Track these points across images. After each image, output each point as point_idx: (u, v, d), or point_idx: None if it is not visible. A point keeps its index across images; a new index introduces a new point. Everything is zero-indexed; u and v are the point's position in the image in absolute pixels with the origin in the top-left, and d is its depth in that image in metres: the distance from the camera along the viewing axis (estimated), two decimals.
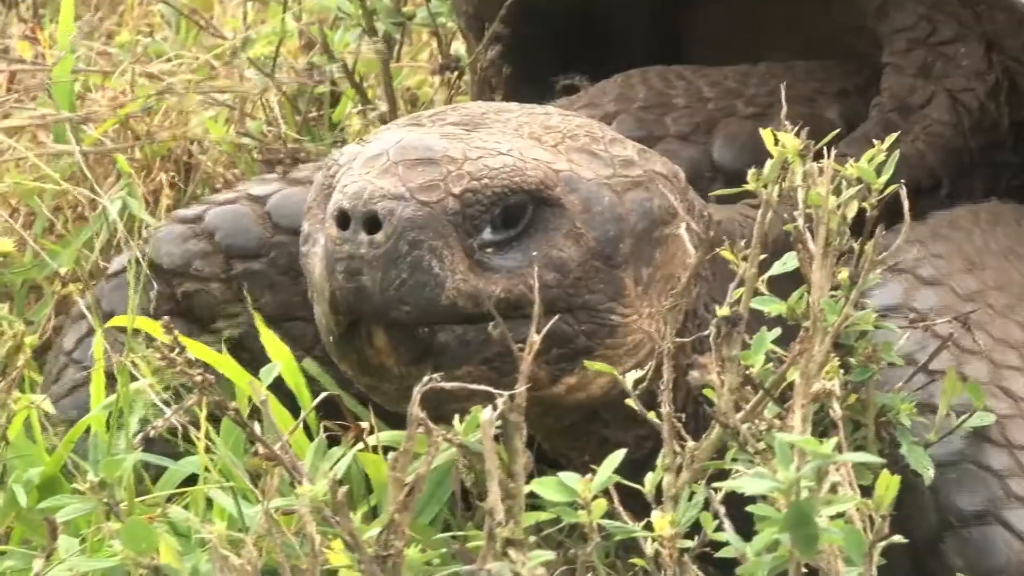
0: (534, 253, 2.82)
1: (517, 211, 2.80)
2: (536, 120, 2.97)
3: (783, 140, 2.43)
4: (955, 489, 2.79)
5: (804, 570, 2.34)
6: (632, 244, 2.86)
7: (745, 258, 2.53)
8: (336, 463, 2.46)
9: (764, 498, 2.32)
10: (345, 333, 2.77)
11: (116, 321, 3.27)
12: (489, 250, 2.80)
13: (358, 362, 2.77)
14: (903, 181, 2.70)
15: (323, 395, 3.11)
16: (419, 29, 4.67)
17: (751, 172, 2.48)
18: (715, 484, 2.47)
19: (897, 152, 2.44)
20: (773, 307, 2.54)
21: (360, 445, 2.86)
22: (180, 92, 4.38)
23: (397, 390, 2.60)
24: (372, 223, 2.68)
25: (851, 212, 2.43)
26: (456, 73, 4.31)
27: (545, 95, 3.90)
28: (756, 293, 2.58)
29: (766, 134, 2.48)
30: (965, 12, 3.49)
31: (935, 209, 3.31)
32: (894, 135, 2.49)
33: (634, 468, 2.67)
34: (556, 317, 2.77)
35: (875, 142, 2.54)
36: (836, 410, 2.44)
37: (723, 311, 2.47)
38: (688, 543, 2.46)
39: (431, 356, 2.75)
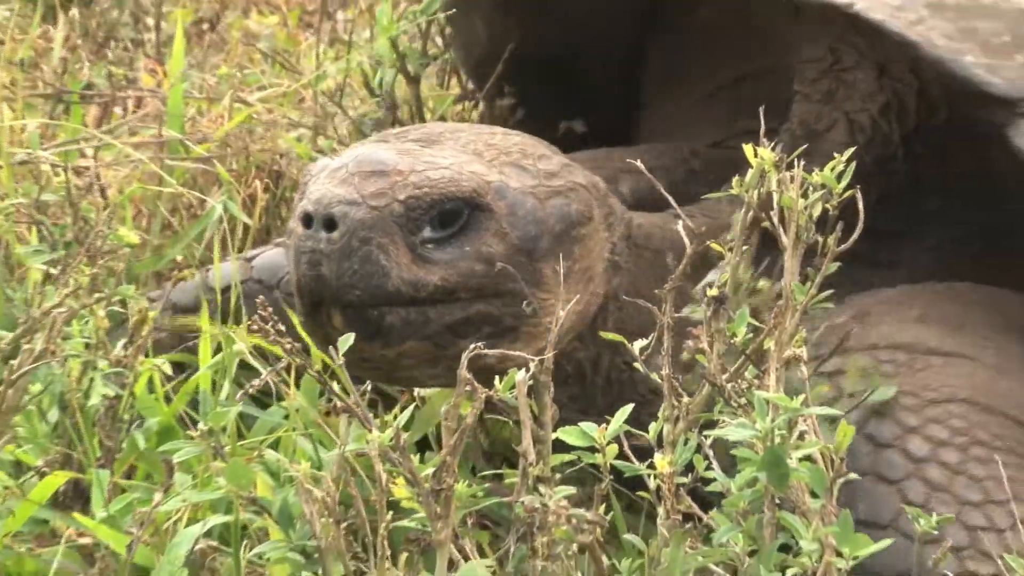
0: (467, 248, 2.90)
1: (453, 214, 2.88)
2: (481, 138, 3.06)
3: (761, 153, 2.47)
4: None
5: (777, 502, 2.40)
6: (551, 241, 2.94)
7: (730, 250, 2.56)
8: (397, 416, 2.51)
9: (745, 444, 2.38)
10: (311, 313, 2.85)
11: None
12: (429, 246, 2.87)
13: (322, 337, 2.84)
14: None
15: None
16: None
17: (735, 179, 2.51)
18: (705, 432, 2.52)
19: (854, 163, 2.47)
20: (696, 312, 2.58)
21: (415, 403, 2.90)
22: (268, 116, 4.47)
23: (352, 361, 2.65)
24: (330, 223, 2.77)
25: (816, 212, 2.47)
26: (473, 103, 4.33)
27: (548, 132, 3.80)
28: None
29: (747, 149, 2.51)
30: (862, 41, 3.47)
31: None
32: (850, 150, 2.52)
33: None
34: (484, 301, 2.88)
35: (835, 155, 2.56)
36: (803, 372, 2.47)
37: (712, 292, 2.51)
38: (683, 480, 2.49)
39: (380, 334, 2.83)
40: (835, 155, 2.89)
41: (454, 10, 4.02)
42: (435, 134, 3.06)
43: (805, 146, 3.23)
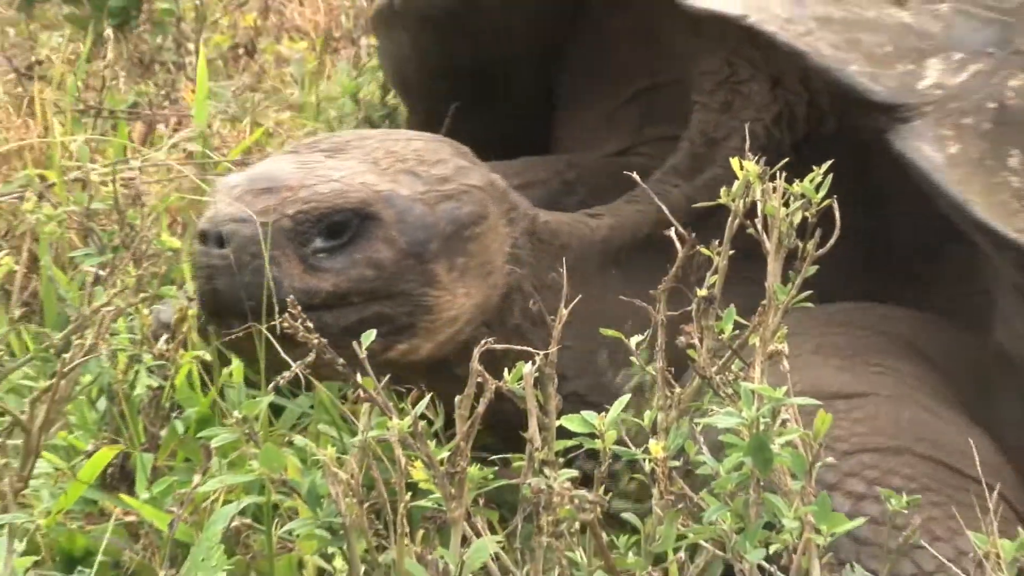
0: (357, 256, 2.88)
1: (343, 224, 2.86)
2: (385, 145, 3.03)
3: (746, 166, 2.47)
4: None
5: (761, 484, 2.39)
6: (441, 243, 2.93)
7: (719, 253, 2.56)
8: (416, 406, 2.52)
9: (732, 431, 2.38)
10: (213, 323, 2.88)
11: None
12: (321, 255, 2.86)
13: (229, 344, 2.89)
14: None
15: None
16: None
17: (723, 188, 2.51)
18: (696, 420, 2.52)
19: (831, 175, 2.47)
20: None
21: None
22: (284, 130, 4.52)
23: (253, 362, 2.75)
24: (221, 240, 2.78)
25: (796, 219, 2.47)
26: None
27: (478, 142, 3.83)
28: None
29: (733, 161, 2.51)
30: (756, 55, 3.46)
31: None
32: (828, 163, 2.50)
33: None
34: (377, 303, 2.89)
35: (815, 168, 2.56)
36: (785, 365, 2.47)
37: (702, 292, 2.52)
38: (675, 463, 2.50)
39: (277, 339, 2.80)
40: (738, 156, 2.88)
41: (381, 24, 3.97)
42: (343, 143, 3.05)
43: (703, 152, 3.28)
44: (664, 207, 2.96)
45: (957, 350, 3.17)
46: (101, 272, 3.45)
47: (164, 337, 3.33)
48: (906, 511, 2.49)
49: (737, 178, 2.49)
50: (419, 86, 4.06)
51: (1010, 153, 2.92)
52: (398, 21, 3.87)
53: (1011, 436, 3.05)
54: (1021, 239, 2.83)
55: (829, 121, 3.37)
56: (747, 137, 3.11)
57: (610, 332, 2.66)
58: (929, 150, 2.89)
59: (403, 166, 2.99)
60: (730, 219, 2.51)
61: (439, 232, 2.93)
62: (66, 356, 2.94)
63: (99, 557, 2.88)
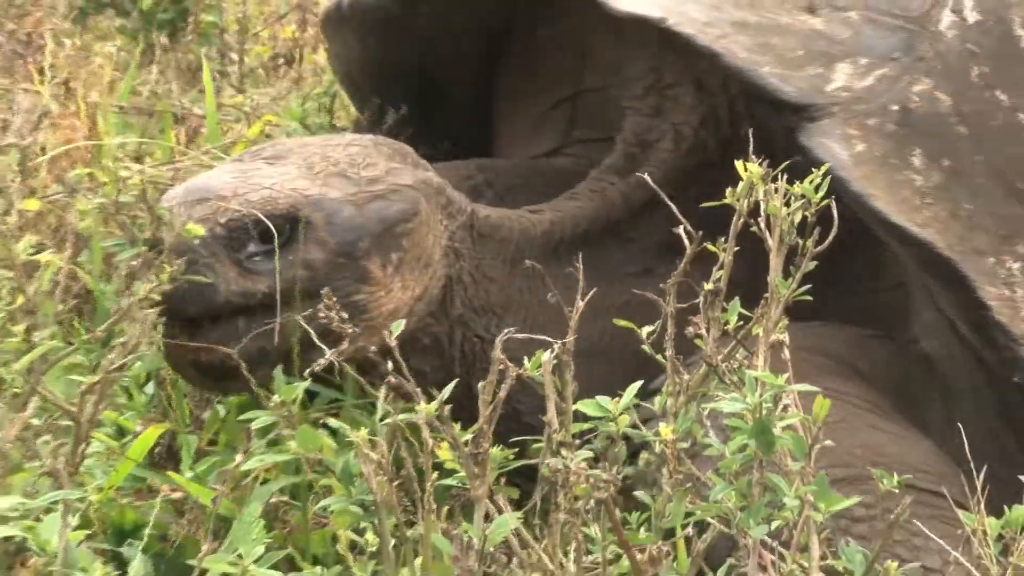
0: (289, 258, 2.92)
1: (276, 229, 2.90)
2: (322, 151, 3.06)
3: (751, 168, 2.50)
4: None
5: (764, 465, 2.40)
6: (372, 241, 2.96)
7: (724, 249, 2.57)
8: (443, 392, 2.54)
9: (737, 415, 2.39)
10: (164, 327, 2.93)
11: None
12: (256, 259, 2.90)
13: (171, 348, 2.93)
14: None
15: None
16: None
17: (728, 189, 2.52)
18: (703, 405, 2.53)
19: (830, 176, 2.49)
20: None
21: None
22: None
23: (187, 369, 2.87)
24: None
25: (797, 218, 2.49)
26: None
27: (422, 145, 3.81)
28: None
29: (738, 164, 2.53)
30: (680, 62, 3.50)
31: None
32: (823, 166, 2.51)
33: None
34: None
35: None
36: (786, 354, 2.49)
37: (708, 286, 2.52)
38: (684, 445, 2.51)
39: (220, 342, 2.89)
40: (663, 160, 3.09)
41: (330, 27, 3.97)
42: (285, 150, 3.09)
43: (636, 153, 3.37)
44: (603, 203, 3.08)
45: (886, 360, 3.18)
46: (134, 263, 3.46)
47: None
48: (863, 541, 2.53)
49: (665, 178, 2.79)
50: (367, 86, 4.05)
51: (913, 153, 2.96)
52: (345, 24, 3.87)
53: (936, 438, 3.07)
54: (922, 233, 2.85)
55: (745, 124, 3.34)
56: (678, 140, 3.28)
57: (622, 323, 2.66)
58: (835, 148, 2.91)
59: (335, 169, 3.02)
60: (735, 218, 2.54)
61: (369, 231, 2.96)
62: (111, 353, 2.95)
63: (147, 530, 2.91)
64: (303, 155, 3.05)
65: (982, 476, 2.57)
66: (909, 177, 2.92)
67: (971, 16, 3.06)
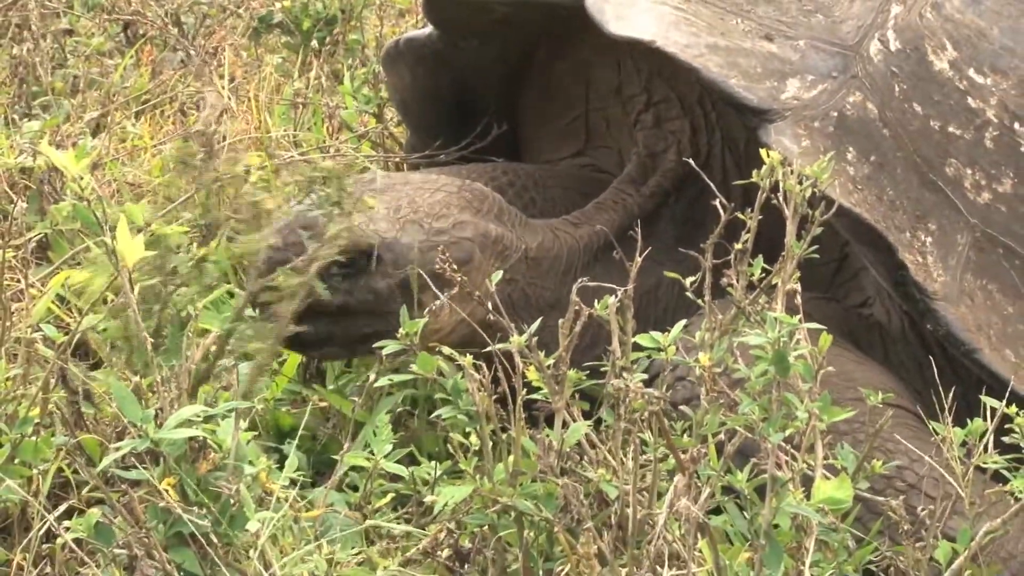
0: (360, 283, 3.07)
1: (356, 259, 3.04)
2: (414, 193, 3.19)
3: (772, 156, 2.62)
4: None
5: (780, 385, 2.36)
6: (430, 280, 2.99)
7: (751, 217, 2.64)
8: (531, 326, 2.54)
9: (759, 347, 2.39)
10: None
11: None
12: (336, 279, 3.02)
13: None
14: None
15: None
16: None
17: (755, 171, 2.65)
18: (733, 339, 2.55)
19: (820, 168, 2.67)
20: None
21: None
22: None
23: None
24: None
25: (807, 193, 2.58)
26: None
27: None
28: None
29: (762, 151, 2.66)
30: (666, 83, 3.74)
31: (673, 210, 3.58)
32: (830, 154, 2.72)
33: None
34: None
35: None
36: (798, 300, 2.60)
37: (738, 246, 2.61)
38: (718, 370, 2.49)
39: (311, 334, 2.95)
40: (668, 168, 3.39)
41: (388, 62, 4.11)
42: (388, 185, 3.21)
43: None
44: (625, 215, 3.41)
45: (835, 315, 3.39)
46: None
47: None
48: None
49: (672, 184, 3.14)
50: (416, 109, 4.20)
51: (848, 149, 3.21)
52: (400, 59, 4.01)
53: None
54: (856, 209, 3.10)
55: (716, 133, 3.71)
56: (679, 149, 3.55)
57: (671, 274, 2.76)
58: (787, 142, 3.16)
59: (413, 217, 3.16)
60: (759, 194, 2.72)
61: (427, 272, 3.03)
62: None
63: (300, 432, 3.01)
64: (397, 196, 3.19)
65: (951, 396, 2.74)
66: (845, 168, 3.18)
67: (894, 45, 3.31)
